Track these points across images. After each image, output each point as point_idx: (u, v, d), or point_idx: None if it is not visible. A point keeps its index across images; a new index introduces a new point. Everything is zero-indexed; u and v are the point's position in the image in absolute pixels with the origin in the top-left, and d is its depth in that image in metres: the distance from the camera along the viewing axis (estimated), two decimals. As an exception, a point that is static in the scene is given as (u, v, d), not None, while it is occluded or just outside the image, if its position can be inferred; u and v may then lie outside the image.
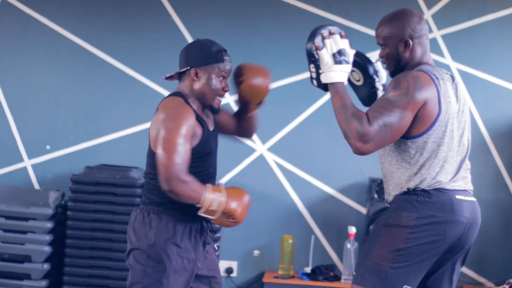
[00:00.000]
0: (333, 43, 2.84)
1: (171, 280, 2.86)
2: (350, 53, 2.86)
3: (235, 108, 3.11)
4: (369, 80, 3.04)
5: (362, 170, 5.32)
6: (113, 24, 5.54)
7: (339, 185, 5.39)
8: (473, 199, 2.90)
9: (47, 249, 4.87)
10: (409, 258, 2.76)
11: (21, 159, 5.48)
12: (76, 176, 5.01)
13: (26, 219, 4.88)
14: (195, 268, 2.95)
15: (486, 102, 5.36)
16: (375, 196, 5.06)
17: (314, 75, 2.88)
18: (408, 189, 2.82)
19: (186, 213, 2.92)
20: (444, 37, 5.39)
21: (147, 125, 5.45)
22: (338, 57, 2.82)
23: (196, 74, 2.96)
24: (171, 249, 2.88)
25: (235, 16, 5.51)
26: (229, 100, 5.35)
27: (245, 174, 5.40)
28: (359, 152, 2.74)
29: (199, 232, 2.98)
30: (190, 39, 5.45)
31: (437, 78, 2.81)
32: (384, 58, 2.95)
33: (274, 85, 5.43)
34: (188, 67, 2.97)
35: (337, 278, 5.12)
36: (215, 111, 3.02)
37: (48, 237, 4.88)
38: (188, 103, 2.92)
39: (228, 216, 2.87)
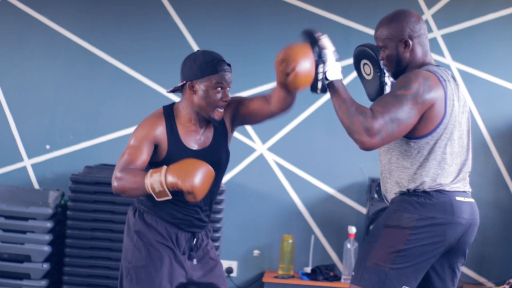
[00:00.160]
0: (328, 44, 2.85)
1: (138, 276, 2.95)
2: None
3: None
4: (379, 73, 3.02)
5: (362, 170, 5.32)
6: (112, 23, 5.53)
7: (339, 185, 5.39)
8: (472, 200, 2.91)
9: (47, 248, 4.87)
10: (409, 259, 2.76)
11: (20, 159, 5.48)
12: (76, 176, 5.00)
13: (26, 219, 4.88)
14: (183, 270, 3.01)
15: (486, 102, 5.36)
16: (375, 196, 5.06)
17: (321, 76, 2.82)
18: (408, 190, 2.82)
19: (177, 224, 3.00)
20: (444, 36, 5.39)
21: (147, 125, 5.44)
22: (336, 54, 2.84)
23: (192, 88, 2.95)
24: (153, 251, 2.96)
25: (235, 16, 5.50)
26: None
27: (245, 174, 5.39)
28: (365, 147, 2.69)
29: (187, 242, 3.04)
30: (189, 38, 5.44)
31: (444, 80, 2.81)
32: (384, 60, 2.93)
33: (274, 84, 5.43)
34: (184, 82, 2.97)
35: (337, 278, 5.12)
36: (215, 122, 3.00)
37: (47, 237, 4.88)
38: (168, 115, 2.97)
39: (184, 192, 2.78)
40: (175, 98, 5.42)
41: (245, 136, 5.41)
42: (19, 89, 5.52)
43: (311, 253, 5.30)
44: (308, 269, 5.20)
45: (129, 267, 2.96)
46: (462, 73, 5.36)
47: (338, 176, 5.39)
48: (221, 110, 2.98)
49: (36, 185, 5.45)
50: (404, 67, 2.91)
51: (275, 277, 5.12)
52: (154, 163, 2.96)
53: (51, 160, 5.46)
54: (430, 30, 5.35)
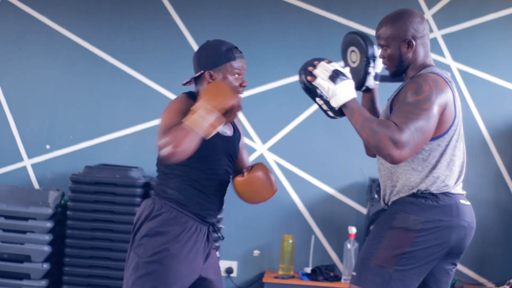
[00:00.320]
0: (323, 70, 2.78)
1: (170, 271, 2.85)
2: (345, 70, 2.81)
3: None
4: (365, 63, 2.97)
5: (362, 170, 5.32)
6: (112, 23, 5.53)
7: (339, 185, 5.39)
8: (469, 203, 2.91)
9: (47, 248, 4.87)
10: (414, 261, 2.75)
11: (20, 159, 5.47)
12: (76, 176, 5.00)
13: (26, 219, 4.88)
14: (198, 268, 2.94)
15: (486, 102, 5.36)
16: (375, 196, 5.06)
17: (325, 107, 2.79)
18: (418, 191, 2.80)
19: (198, 215, 2.94)
20: (444, 37, 5.39)
21: (147, 125, 5.44)
22: (335, 78, 2.76)
23: (211, 76, 2.94)
24: (173, 249, 2.86)
25: (235, 16, 5.50)
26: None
27: (245, 174, 5.38)
28: (395, 160, 2.65)
29: (206, 235, 3.00)
30: (190, 38, 5.44)
31: (450, 82, 2.82)
32: (385, 59, 2.91)
33: (274, 84, 5.44)
34: (202, 71, 2.96)
35: (337, 278, 5.11)
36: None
37: (47, 237, 4.87)
38: (195, 99, 2.88)
39: (226, 112, 2.74)
40: (173, 96, 5.41)
41: (246, 136, 5.41)
42: (19, 89, 5.52)
43: (311, 253, 5.30)
44: (308, 269, 5.20)
45: (140, 262, 2.88)
46: (462, 73, 5.36)
47: (339, 176, 5.38)
48: (240, 96, 2.96)
49: (36, 185, 5.44)
50: (405, 67, 2.90)
51: (275, 277, 5.12)
52: None
53: (51, 160, 5.46)
54: (430, 30, 5.32)
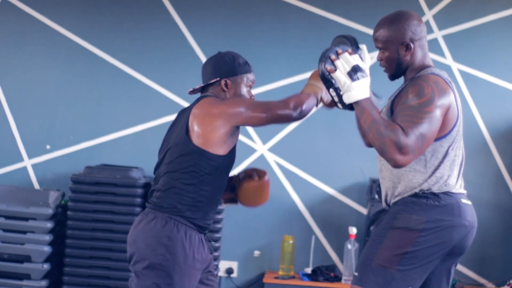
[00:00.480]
0: (344, 63, 2.76)
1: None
2: (365, 67, 2.80)
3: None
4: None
5: (362, 171, 5.32)
6: (113, 23, 5.52)
7: (339, 186, 5.39)
8: (470, 203, 2.91)
9: (47, 249, 4.86)
10: (416, 261, 2.75)
11: (21, 159, 5.47)
12: (76, 176, 5.00)
13: (26, 219, 4.87)
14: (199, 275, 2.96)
15: (487, 103, 5.36)
16: (376, 196, 5.05)
17: (336, 99, 2.81)
18: (420, 190, 2.80)
19: (202, 223, 2.93)
20: (445, 37, 5.39)
21: (147, 125, 5.44)
22: (354, 74, 2.75)
23: (226, 85, 3.00)
24: (186, 266, 2.86)
25: (236, 16, 5.50)
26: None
27: (246, 174, 5.38)
28: (398, 166, 2.67)
29: (207, 241, 3.00)
30: (190, 38, 5.44)
31: (450, 82, 2.82)
32: (383, 61, 2.91)
33: (274, 85, 5.43)
34: (218, 78, 3.00)
35: (337, 278, 5.11)
36: None
37: (48, 237, 4.87)
38: None
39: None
40: (173, 96, 5.41)
41: (246, 137, 5.41)
42: (20, 89, 5.52)
43: (312, 254, 5.29)
44: (308, 270, 5.20)
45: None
46: (463, 73, 5.36)
47: (339, 176, 5.38)
48: None
49: (37, 185, 5.44)
50: (403, 69, 2.90)
51: (276, 277, 5.12)
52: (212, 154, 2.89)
53: (51, 160, 5.46)
54: (431, 30, 5.35)
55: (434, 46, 5.26)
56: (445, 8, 5.40)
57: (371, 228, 4.94)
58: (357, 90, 2.74)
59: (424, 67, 2.88)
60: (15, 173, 5.45)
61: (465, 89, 5.33)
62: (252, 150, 5.41)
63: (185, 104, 5.14)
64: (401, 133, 2.64)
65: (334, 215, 5.37)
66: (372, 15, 5.27)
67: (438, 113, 2.70)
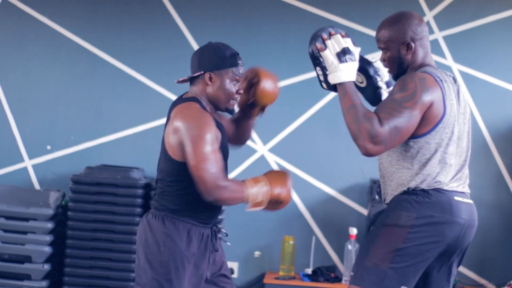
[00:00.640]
0: (335, 43, 2.82)
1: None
2: (355, 51, 2.84)
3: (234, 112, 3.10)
4: (371, 81, 3.05)
5: (363, 171, 5.32)
6: (113, 23, 5.53)
7: (340, 186, 5.39)
8: (471, 201, 2.92)
9: (48, 249, 4.87)
10: (407, 258, 2.77)
11: (21, 159, 5.47)
12: (77, 176, 5.00)
13: (27, 220, 4.87)
14: (205, 274, 2.95)
15: (487, 104, 5.36)
16: (376, 197, 5.06)
17: (322, 78, 2.85)
18: (408, 188, 2.82)
19: (200, 219, 2.92)
20: (445, 38, 5.39)
21: (148, 125, 5.44)
22: (342, 56, 2.80)
23: (210, 79, 2.93)
24: (184, 261, 2.86)
25: (236, 17, 5.50)
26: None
27: (246, 175, 5.29)
28: (368, 153, 2.72)
29: (210, 238, 2.97)
30: (191, 39, 5.44)
31: (441, 81, 2.83)
32: (386, 61, 2.95)
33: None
34: (202, 71, 2.94)
35: (338, 279, 5.11)
36: (232, 112, 3.02)
37: (48, 238, 4.87)
38: (204, 108, 2.88)
39: (275, 202, 2.87)
40: (174, 97, 5.41)
41: (246, 137, 5.40)
42: (20, 89, 5.52)
43: (312, 254, 5.29)
44: (309, 270, 5.20)
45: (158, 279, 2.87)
46: (464, 74, 5.36)
47: (339, 177, 5.39)
48: (235, 102, 2.99)
49: (37, 186, 5.44)
50: (405, 68, 2.93)
51: (276, 278, 5.12)
52: None
53: (52, 160, 5.46)
54: (431, 31, 5.35)
55: (434, 47, 5.25)
56: (446, 9, 5.40)
57: (371, 228, 4.94)
58: (343, 72, 2.79)
59: (423, 66, 2.91)
60: (16, 174, 5.45)
61: (465, 90, 5.33)
62: (252, 151, 5.41)
63: (186, 105, 5.14)
64: (377, 122, 2.68)
65: (334, 216, 5.37)
66: (372, 16, 5.30)
67: (417, 109, 2.72)
